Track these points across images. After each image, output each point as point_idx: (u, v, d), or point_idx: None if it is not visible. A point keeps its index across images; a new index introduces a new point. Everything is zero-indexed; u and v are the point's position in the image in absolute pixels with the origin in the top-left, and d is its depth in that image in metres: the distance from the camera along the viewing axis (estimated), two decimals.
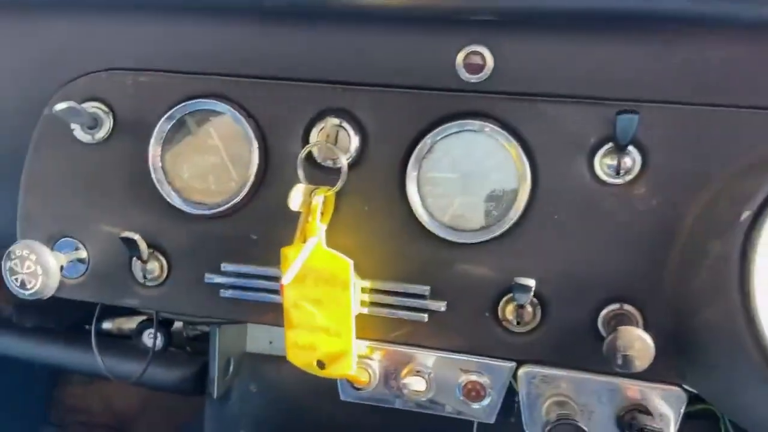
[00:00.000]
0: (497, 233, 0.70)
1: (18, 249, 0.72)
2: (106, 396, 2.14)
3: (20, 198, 0.80)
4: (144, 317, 1.17)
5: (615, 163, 0.68)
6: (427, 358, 0.74)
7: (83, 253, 0.79)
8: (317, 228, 0.71)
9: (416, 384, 0.72)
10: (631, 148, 0.67)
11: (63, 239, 0.79)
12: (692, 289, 0.64)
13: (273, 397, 1.20)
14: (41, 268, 0.72)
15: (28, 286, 0.72)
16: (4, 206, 0.82)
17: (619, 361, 0.62)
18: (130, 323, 1.33)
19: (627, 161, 0.68)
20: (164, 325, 1.16)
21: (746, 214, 0.61)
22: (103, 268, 0.79)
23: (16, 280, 0.72)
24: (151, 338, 1.09)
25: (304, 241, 0.71)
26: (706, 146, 0.66)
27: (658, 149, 0.67)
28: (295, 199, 0.70)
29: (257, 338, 1.20)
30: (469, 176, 0.72)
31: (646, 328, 0.67)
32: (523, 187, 0.70)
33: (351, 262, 0.70)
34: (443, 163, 0.73)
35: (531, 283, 0.65)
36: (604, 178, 0.68)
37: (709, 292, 0.62)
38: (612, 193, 0.68)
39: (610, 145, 0.68)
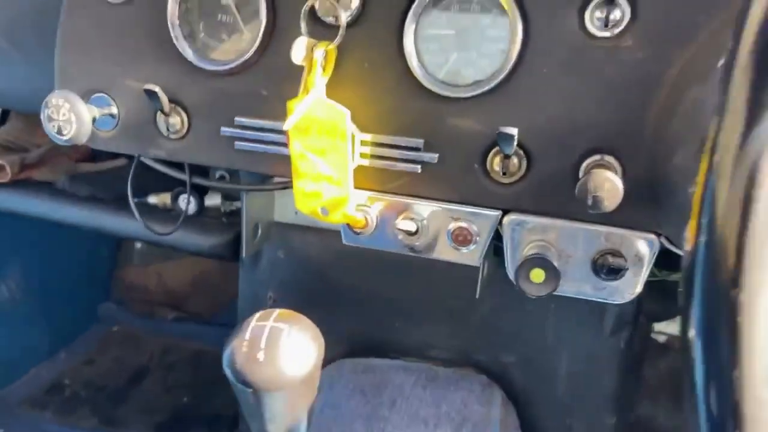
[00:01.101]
0: (487, 87, 0.74)
1: (54, 98, 0.80)
2: (161, 276, 2.33)
3: (56, 56, 0.87)
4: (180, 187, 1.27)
5: (604, 15, 0.69)
6: (421, 207, 0.80)
7: (114, 109, 0.87)
8: (318, 80, 0.76)
9: (408, 225, 0.78)
10: (620, 0, 0.69)
11: (96, 95, 0.87)
12: (668, 135, 0.67)
13: (298, 262, 1.30)
14: (75, 116, 0.80)
15: (64, 132, 0.81)
16: (47, 67, 0.90)
17: (590, 202, 0.66)
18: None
19: (616, 13, 0.69)
20: (198, 191, 1.26)
21: (723, 61, 0.63)
22: (132, 122, 0.87)
23: (53, 126, 0.81)
24: (185, 202, 1.19)
25: (308, 94, 0.76)
26: None
27: (648, 1, 0.68)
28: (298, 52, 0.75)
29: (284, 208, 1.29)
30: (465, 32, 0.75)
31: (625, 177, 0.71)
32: (514, 41, 0.72)
33: (348, 112, 0.75)
34: (440, 20, 0.76)
35: (513, 131, 0.69)
36: (593, 31, 0.70)
37: (683, 135, 0.65)
38: (600, 45, 0.70)
39: None
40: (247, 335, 0.51)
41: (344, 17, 0.75)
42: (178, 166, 1.04)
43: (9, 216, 1.51)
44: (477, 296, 1.09)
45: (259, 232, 1.24)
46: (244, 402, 0.53)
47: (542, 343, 1.19)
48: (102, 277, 2.29)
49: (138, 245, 2.36)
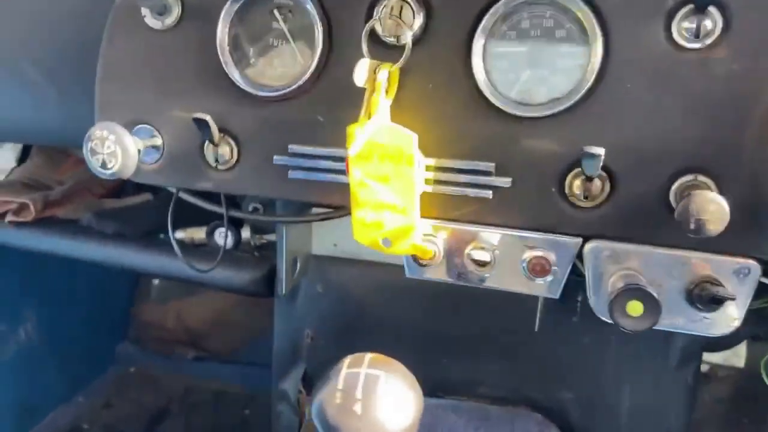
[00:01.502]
0: (565, 106, 0.69)
1: (98, 130, 0.75)
2: (180, 313, 2.27)
3: (97, 86, 0.83)
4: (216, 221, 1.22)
5: (694, 25, 0.65)
6: (492, 236, 0.74)
7: (158, 140, 0.82)
8: (381, 103, 0.71)
9: (481, 255, 0.72)
10: (711, 8, 0.64)
11: (139, 126, 0.82)
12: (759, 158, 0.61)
13: (338, 297, 1.23)
14: (120, 148, 0.75)
15: (109, 166, 0.76)
16: (83, 99, 0.86)
17: (692, 226, 0.61)
18: (201, 233, 1.38)
19: (707, 23, 0.64)
20: (234, 224, 1.21)
21: None
22: (178, 153, 0.82)
23: (98, 160, 0.76)
24: (221, 237, 1.14)
25: (369, 118, 0.71)
26: None
27: (742, 9, 0.64)
28: (360, 74, 0.70)
29: (322, 240, 1.23)
30: (538, 48, 0.71)
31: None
32: (594, 55, 0.68)
33: (415, 135, 0.70)
34: (510, 36, 0.71)
35: (600, 151, 0.64)
36: (682, 42, 0.65)
37: None
38: (690, 58, 0.65)
39: (690, 6, 0.64)
40: (340, 384, 0.45)
41: (409, 37, 0.71)
42: (210, 198, 0.98)
43: (24, 257, 1.46)
44: (536, 329, 1.03)
45: (298, 265, 1.18)
46: None
47: (602, 378, 1.12)
48: (119, 316, 2.24)
49: (155, 281, 2.31)
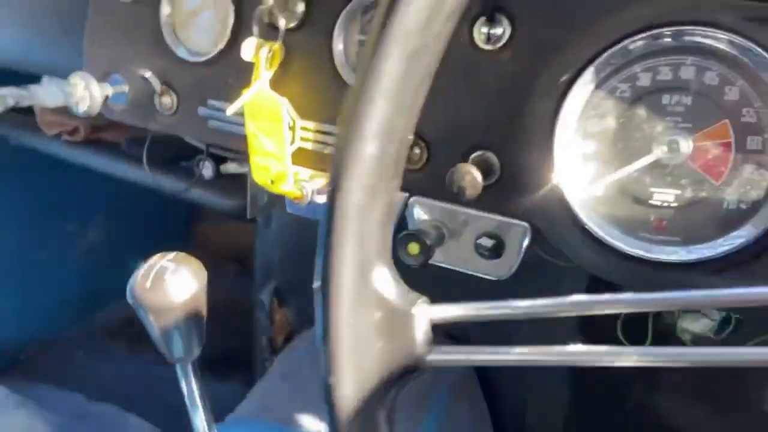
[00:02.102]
0: None
1: (74, 78, 1.02)
2: (230, 234, 2.59)
3: (84, 42, 1.10)
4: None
5: (488, 31, 0.80)
6: None
7: (125, 88, 1.08)
8: (262, 74, 0.92)
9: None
10: (503, 18, 0.79)
11: (113, 75, 1.09)
12: (521, 140, 0.78)
13: (300, 228, 1.48)
14: (88, 93, 1.02)
15: (80, 106, 1.03)
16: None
17: (455, 190, 0.79)
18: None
19: (498, 30, 0.80)
20: (215, 159, 1.47)
21: (564, 77, 0.73)
22: (137, 99, 1.08)
23: (73, 100, 1.03)
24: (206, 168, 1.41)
25: None
26: (566, 16, 0.76)
27: (525, 21, 0.79)
28: (246, 50, 0.91)
29: None
30: None
31: (503, 171, 0.82)
32: None
33: (285, 101, 0.91)
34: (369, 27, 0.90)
35: None
36: (480, 44, 0.81)
37: (528, 144, 0.76)
38: (484, 57, 0.81)
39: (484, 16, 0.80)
40: (143, 270, 0.70)
41: (283, 23, 0.91)
42: None
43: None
44: None
45: (266, 197, 1.44)
46: (146, 325, 0.72)
47: None
48: (176, 229, 2.56)
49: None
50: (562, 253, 0.81)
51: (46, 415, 1.57)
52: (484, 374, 1.36)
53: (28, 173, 1.98)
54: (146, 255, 0.71)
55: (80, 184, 2.02)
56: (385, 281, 0.44)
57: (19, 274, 2.03)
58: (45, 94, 1.60)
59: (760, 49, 0.66)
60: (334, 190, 0.43)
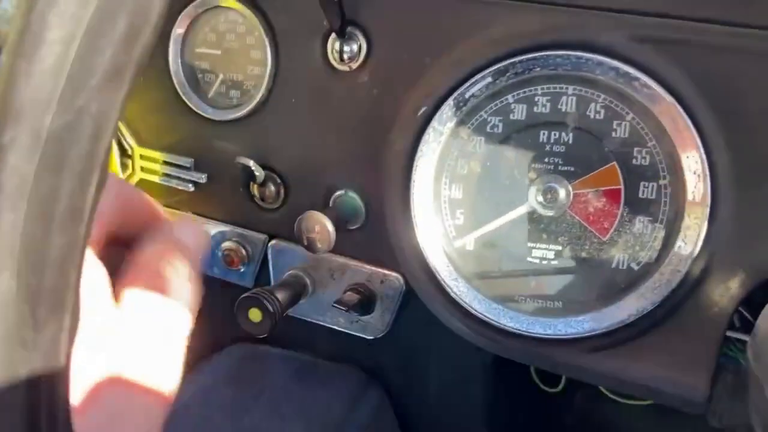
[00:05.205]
0: (245, 111, 0.73)
1: None
2: None
3: None
4: None
5: (340, 49, 0.66)
6: (200, 225, 0.81)
7: None
8: None
9: None
10: (358, 33, 0.65)
11: None
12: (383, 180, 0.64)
13: None
14: None
15: None
16: None
17: (305, 243, 0.65)
18: None
19: (353, 47, 0.66)
20: None
21: (422, 111, 0.60)
22: None
23: None
24: None
25: None
26: (425, 33, 0.63)
27: (382, 37, 0.65)
28: None
29: None
30: (231, 53, 0.74)
31: (368, 215, 0.69)
32: (267, 68, 0.71)
33: None
34: (209, 39, 0.75)
35: (248, 162, 0.68)
36: (335, 64, 0.67)
37: (388, 186, 0.63)
38: (340, 79, 0.68)
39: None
40: None
41: None
42: None
43: None
44: None
45: None
46: None
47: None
48: None
49: None
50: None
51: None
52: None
53: None
54: None
55: None
56: None
57: None
58: None
59: (649, 79, 0.54)
60: None
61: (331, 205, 0.71)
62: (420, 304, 0.67)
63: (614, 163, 0.57)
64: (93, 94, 0.26)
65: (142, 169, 0.81)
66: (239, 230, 0.79)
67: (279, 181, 0.74)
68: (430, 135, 0.59)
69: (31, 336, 0.27)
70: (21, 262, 0.26)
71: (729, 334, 0.56)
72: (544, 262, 0.60)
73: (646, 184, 0.57)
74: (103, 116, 0.26)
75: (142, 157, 0.81)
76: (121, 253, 0.38)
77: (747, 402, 0.46)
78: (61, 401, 0.28)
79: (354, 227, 0.71)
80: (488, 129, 0.60)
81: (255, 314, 0.68)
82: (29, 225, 0.26)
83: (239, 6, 0.71)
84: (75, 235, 0.27)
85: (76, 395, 0.33)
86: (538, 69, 0.55)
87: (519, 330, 0.58)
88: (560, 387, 1.09)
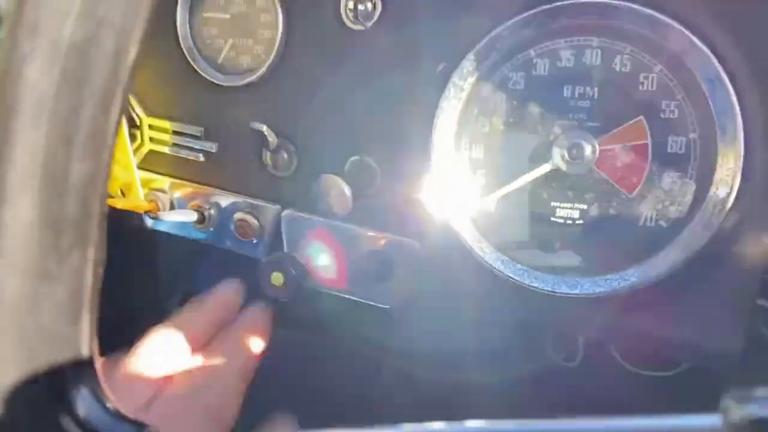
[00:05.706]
0: (256, 77, 0.71)
1: None
2: None
3: None
4: None
5: (356, 8, 0.64)
6: (211, 196, 0.79)
7: None
8: None
9: (189, 216, 0.77)
10: None
11: None
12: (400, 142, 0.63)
13: None
14: None
15: None
16: None
17: (322, 207, 0.64)
18: None
19: (367, 5, 0.64)
20: None
21: (441, 66, 0.58)
22: None
23: None
24: None
25: None
26: None
27: None
28: None
29: None
30: (240, 17, 0.72)
31: (384, 179, 0.67)
32: (278, 31, 0.69)
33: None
34: (218, 3, 0.73)
35: (261, 127, 0.67)
36: (348, 23, 0.65)
37: (406, 148, 0.61)
38: (355, 39, 0.66)
39: None
40: None
41: None
42: None
43: None
44: None
45: None
46: None
47: None
48: None
49: None
50: None
51: None
52: None
53: None
54: None
55: None
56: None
57: None
58: None
59: (681, 26, 0.52)
60: None
61: (346, 170, 0.69)
62: (437, 271, 0.66)
63: (642, 117, 0.55)
64: (115, 3, 0.24)
65: (151, 139, 0.79)
66: (251, 200, 0.77)
67: (292, 147, 0.72)
68: (450, 91, 0.58)
69: (55, 265, 0.25)
70: (42, 185, 0.24)
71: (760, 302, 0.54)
72: (569, 221, 0.58)
73: (675, 138, 0.55)
74: (125, 29, 0.24)
75: (151, 127, 0.79)
76: None
77: None
78: (84, 334, 0.26)
79: (369, 193, 0.69)
80: (510, 85, 0.58)
81: (277, 278, 0.66)
82: (50, 146, 0.24)
83: None
84: (97, 162, 0.25)
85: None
86: (564, 18, 0.54)
87: (545, 290, 0.56)
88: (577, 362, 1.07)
